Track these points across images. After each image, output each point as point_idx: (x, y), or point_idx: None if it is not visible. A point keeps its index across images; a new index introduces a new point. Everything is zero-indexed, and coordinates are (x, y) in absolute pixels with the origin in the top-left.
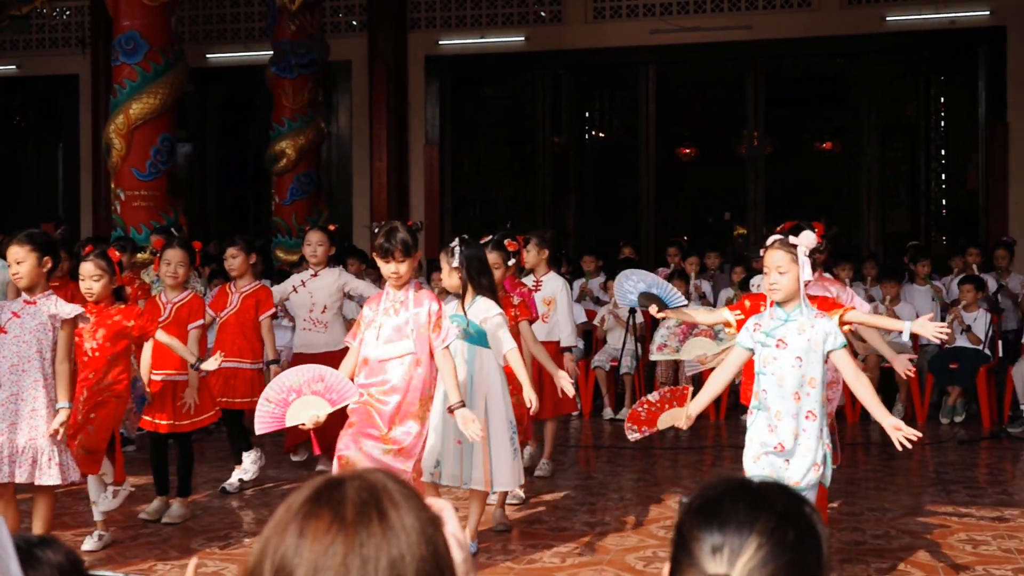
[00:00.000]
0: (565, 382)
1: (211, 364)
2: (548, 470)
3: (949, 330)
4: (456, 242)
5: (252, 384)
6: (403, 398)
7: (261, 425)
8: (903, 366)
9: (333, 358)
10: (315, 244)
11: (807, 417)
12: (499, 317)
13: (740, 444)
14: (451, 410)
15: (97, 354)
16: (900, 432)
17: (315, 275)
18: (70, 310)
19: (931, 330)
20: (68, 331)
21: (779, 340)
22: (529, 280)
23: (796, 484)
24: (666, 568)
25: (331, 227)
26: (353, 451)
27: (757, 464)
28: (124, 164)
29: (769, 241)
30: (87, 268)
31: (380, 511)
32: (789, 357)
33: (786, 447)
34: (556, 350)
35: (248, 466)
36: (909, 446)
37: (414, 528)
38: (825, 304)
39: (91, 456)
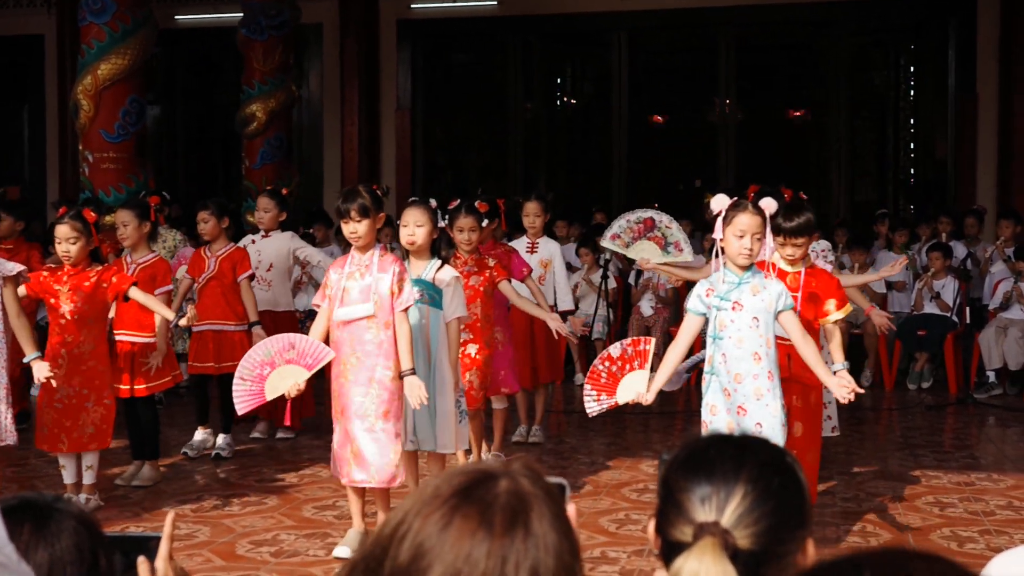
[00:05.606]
0: (557, 323)
1: (186, 319)
2: (541, 436)
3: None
4: (435, 203)
5: (242, 346)
6: (375, 362)
7: (241, 404)
8: (880, 320)
9: (274, 317)
10: (262, 210)
11: (768, 377)
12: (457, 283)
13: None
14: (401, 376)
15: (76, 317)
16: (845, 388)
17: (266, 235)
18: (12, 267)
19: (899, 269)
20: (12, 288)
21: (735, 303)
22: (523, 242)
23: None
24: (651, 523)
25: (283, 191)
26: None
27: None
28: (92, 126)
29: (735, 201)
30: (63, 231)
31: (527, 524)
32: (746, 318)
33: (748, 410)
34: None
35: (222, 444)
36: (853, 398)
37: (554, 547)
38: (830, 284)
39: (101, 431)
